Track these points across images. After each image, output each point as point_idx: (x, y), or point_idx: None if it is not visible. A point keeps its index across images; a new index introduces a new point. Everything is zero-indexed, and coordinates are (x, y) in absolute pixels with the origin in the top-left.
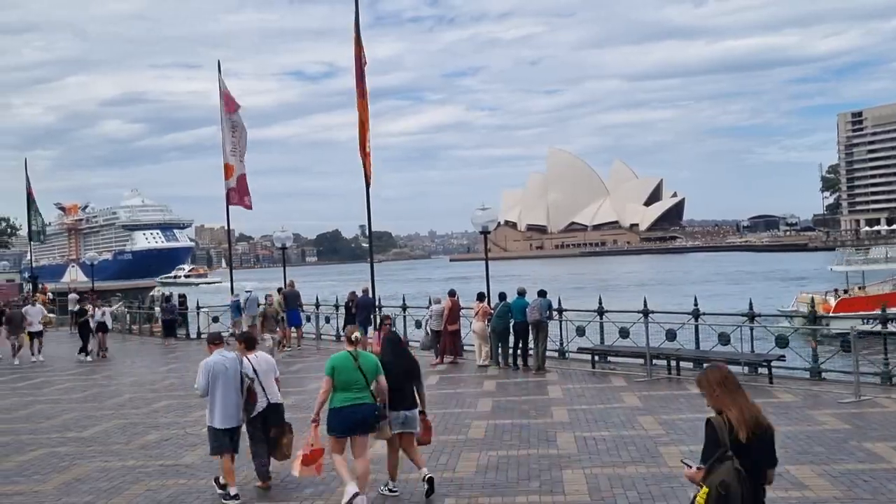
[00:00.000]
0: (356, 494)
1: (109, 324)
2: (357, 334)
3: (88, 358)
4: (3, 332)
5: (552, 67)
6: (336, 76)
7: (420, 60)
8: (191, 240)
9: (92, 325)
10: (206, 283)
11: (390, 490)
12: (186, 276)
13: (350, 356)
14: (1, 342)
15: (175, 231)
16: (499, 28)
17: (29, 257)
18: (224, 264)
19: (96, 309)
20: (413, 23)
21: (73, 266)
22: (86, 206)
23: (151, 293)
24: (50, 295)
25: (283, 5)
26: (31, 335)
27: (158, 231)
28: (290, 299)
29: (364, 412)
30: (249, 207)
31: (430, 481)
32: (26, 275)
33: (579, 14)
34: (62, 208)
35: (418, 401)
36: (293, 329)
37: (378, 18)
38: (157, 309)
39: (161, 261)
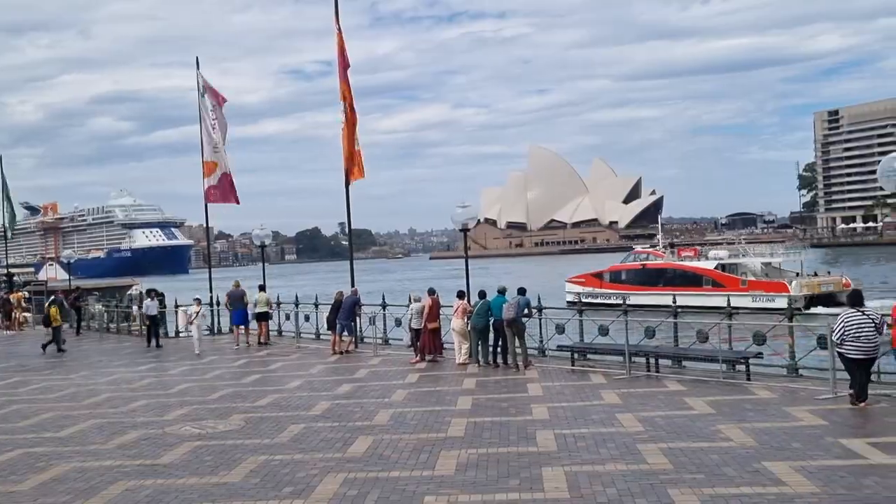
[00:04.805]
0: None
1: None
2: None
3: None
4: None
5: (544, 66)
6: (332, 74)
7: (416, 59)
8: None
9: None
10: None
11: None
12: None
13: None
14: None
15: (172, 229)
16: (494, 27)
17: None
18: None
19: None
20: (412, 22)
21: (49, 264)
22: (53, 204)
23: (129, 292)
24: (25, 293)
25: (289, 4)
26: None
27: (158, 229)
28: (234, 299)
29: None
30: (237, 202)
31: None
32: None
33: (572, 15)
34: (29, 208)
35: None
36: (241, 328)
37: (377, 18)
38: (135, 308)
39: (164, 258)
